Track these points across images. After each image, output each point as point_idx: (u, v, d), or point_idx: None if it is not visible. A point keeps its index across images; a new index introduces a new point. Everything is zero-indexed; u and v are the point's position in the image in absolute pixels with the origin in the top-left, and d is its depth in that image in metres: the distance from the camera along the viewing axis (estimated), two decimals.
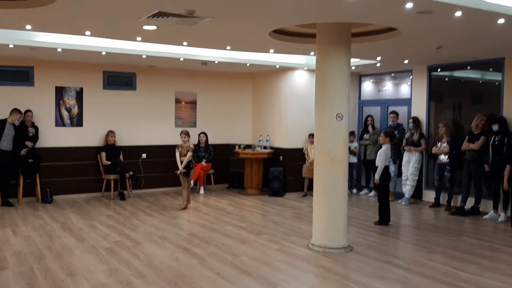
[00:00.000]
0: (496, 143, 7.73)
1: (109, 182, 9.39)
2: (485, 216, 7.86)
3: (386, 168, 7.22)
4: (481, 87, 9.28)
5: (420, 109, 9.45)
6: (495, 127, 7.74)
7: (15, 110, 8.46)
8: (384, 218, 7.33)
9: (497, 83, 8.30)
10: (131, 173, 9.57)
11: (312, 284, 4.78)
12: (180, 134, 8.34)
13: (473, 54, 7.73)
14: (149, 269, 5.05)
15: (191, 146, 8.38)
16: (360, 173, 10.43)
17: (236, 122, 11.18)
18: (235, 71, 10.75)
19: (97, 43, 7.62)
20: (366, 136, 9.96)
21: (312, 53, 7.84)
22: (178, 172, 8.24)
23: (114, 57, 8.54)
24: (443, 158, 8.54)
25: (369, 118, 10.08)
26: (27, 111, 8.72)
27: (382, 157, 7.15)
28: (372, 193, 9.88)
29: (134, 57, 8.39)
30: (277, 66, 9.71)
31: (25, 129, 8.60)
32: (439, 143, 8.62)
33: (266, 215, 8.02)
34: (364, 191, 10.30)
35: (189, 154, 8.22)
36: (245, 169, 10.30)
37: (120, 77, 9.93)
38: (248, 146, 10.68)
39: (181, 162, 8.22)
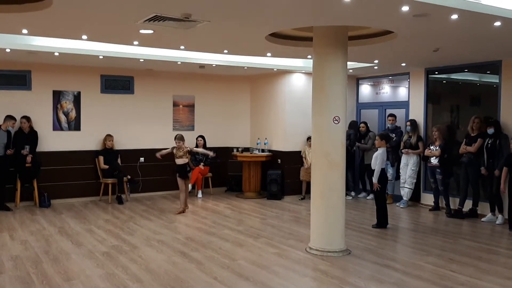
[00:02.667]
0: (489, 146, 7.78)
1: (107, 186, 9.38)
2: (483, 219, 7.86)
3: (383, 171, 7.22)
4: (478, 90, 9.30)
5: (417, 112, 9.46)
6: (490, 130, 7.78)
7: (8, 117, 8.42)
8: (382, 221, 7.33)
9: (494, 86, 8.31)
10: (129, 177, 9.54)
11: None
12: (174, 139, 8.27)
13: (470, 56, 7.75)
14: (146, 273, 5.04)
15: (187, 148, 8.34)
16: (359, 176, 10.42)
17: (234, 125, 11.18)
18: (233, 74, 10.74)
19: (94, 47, 7.61)
20: (363, 141, 9.89)
21: (309, 56, 7.85)
22: (158, 154, 8.33)
23: (111, 61, 8.54)
24: (434, 161, 8.56)
25: (362, 125, 9.97)
26: (21, 117, 8.66)
27: (378, 160, 7.15)
28: (370, 196, 9.87)
29: (131, 60, 8.40)
30: (275, 69, 9.72)
31: (23, 137, 8.57)
32: (432, 146, 8.65)
33: (264, 219, 8.01)
34: (362, 194, 10.29)
35: (184, 160, 8.22)
36: (243, 172, 10.29)
37: (117, 80, 9.92)
38: (246, 149, 10.68)
39: (176, 164, 8.22)
